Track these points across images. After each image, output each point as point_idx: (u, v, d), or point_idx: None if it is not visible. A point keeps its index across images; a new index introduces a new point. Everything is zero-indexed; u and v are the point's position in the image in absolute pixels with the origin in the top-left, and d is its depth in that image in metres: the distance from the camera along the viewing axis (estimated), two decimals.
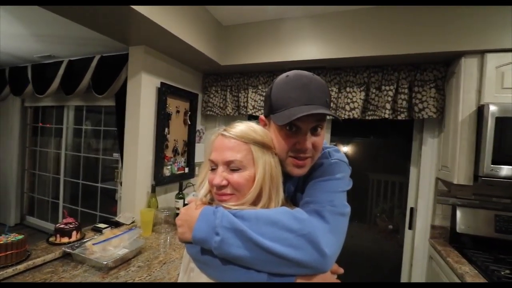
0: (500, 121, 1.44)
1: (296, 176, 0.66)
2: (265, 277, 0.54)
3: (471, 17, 1.53)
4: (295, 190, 0.73)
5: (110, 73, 2.25)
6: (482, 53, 1.54)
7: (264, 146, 0.63)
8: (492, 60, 1.51)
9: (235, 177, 0.61)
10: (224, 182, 0.60)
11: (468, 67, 1.57)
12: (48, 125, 3.44)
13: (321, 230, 0.54)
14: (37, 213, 3.54)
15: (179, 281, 0.75)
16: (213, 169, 0.63)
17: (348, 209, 0.62)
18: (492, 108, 1.45)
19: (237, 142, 0.61)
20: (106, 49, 2.27)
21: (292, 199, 0.72)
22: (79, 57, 2.52)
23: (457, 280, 1.40)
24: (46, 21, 1.87)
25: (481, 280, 1.30)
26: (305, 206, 0.61)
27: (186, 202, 2.02)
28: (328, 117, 0.68)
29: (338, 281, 0.61)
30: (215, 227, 0.55)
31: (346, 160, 0.72)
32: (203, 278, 0.60)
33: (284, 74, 0.67)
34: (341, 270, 0.63)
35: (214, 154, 0.62)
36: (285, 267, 0.53)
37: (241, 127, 0.64)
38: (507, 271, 1.38)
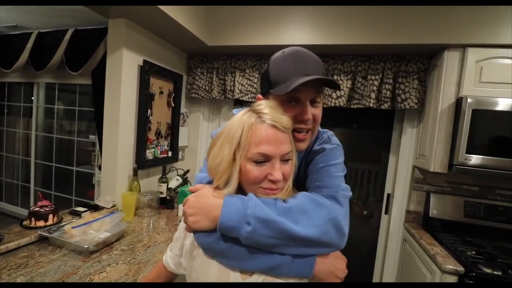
0: (476, 113, 1.53)
1: (299, 150, 0.67)
2: (290, 259, 0.56)
3: (455, 11, 1.58)
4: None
5: (86, 48, 2.09)
6: (464, 47, 1.60)
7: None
8: (472, 54, 1.57)
9: (287, 168, 0.60)
10: (282, 176, 0.58)
11: (450, 60, 1.63)
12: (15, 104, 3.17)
13: (341, 214, 0.59)
14: (5, 198, 3.32)
15: (173, 265, 0.74)
16: (258, 163, 0.57)
17: (350, 191, 0.67)
18: (470, 100, 1.53)
19: (286, 132, 0.60)
20: (81, 21, 2.09)
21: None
22: (51, 29, 2.30)
23: (428, 260, 1.51)
24: None
25: (451, 259, 1.41)
26: (319, 190, 0.64)
27: (176, 189, 1.98)
28: None
29: (343, 256, 0.65)
30: (246, 216, 0.54)
31: (341, 144, 0.75)
32: (213, 266, 0.60)
33: (280, 51, 0.69)
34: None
35: (267, 147, 0.56)
36: (312, 250, 0.57)
37: (282, 116, 0.59)
38: (473, 252, 1.51)
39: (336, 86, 0.68)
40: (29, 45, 2.34)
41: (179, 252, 0.72)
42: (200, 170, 0.74)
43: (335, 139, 0.75)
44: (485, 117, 1.53)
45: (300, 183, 0.71)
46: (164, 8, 1.50)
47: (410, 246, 1.84)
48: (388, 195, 2.16)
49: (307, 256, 0.57)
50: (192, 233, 0.63)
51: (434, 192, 1.91)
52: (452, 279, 1.34)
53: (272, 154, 0.57)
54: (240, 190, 0.62)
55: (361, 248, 2.42)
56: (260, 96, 0.73)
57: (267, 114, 0.58)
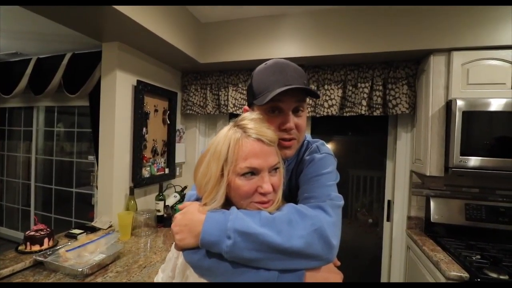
0: (467, 115, 1.53)
1: (285, 157, 0.68)
2: (276, 274, 0.54)
3: (438, 17, 1.62)
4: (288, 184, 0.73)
5: (83, 71, 2.14)
6: (449, 51, 1.63)
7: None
8: (458, 57, 1.60)
9: (276, 179, 0.60)
10: (271, 188, 0.59)
11: (436, 64, 1.65)
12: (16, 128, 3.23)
13: (327, 224, 0.57)
14: (6, 223, 3.31)
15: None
16: (248, 177, 0.58)
17: (342, 200, 0.65)
18: (459, 103, 1.54)
19: (272, 146, 0.60)
20: (78, 46, 2.16)
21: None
22: (49, 55, 2.38)
23: (432, 267, 1.48)
24: (12, 16, 1.75)
25: (455, 265, 1.38)
26: (307, 201, 0.63)
27: (174, 206, 1.98)
28: (307, 113, 0.70)
29: (338, 271, 0.62)
30: (227, 230, 0.53)
31: (332, 153, 0.74)
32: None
33: (263, 64, 0.72)
34: (338, 263, 0.65)
35: (255, 161, 0.57)
36: (297, 263, 0.55)
37: (266, 130, 0.60)
38: (478, 256, 1.47)
39: (315, 95, 0.69)
40: (28, 70, 2.41)
41: (171, 274, 0.71)
42: (191, 189, 0.74)
43: (325, 148, 0.74)
44: (477, 118, 1.53)
45: (292, 195, 0.71)
46: (154, 30, 1.56)
47: (414, 253, 1.80)
48: (389, 201, 2.13)
49: (294, 270, 0.55)
50: (181, 252, 0.63)
51: (434, 196, 1.89)
52: None
53: (260, 167, 0.58)
54: (230, 206, 0.61)
55: (367, 257, 2.36)
56: (246, 107, 0.75)
57: (252, 129, 0.59)
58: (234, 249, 0.53)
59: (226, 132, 0.60)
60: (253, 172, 0.58)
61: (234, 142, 0.58)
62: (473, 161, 1.53)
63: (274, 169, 0.60)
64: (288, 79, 0.65)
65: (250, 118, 0.62)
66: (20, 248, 1.31)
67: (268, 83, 0.65)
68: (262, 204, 0.59)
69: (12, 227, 3.25)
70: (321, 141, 0.77)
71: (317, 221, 0.57)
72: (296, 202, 0.65)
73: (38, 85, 2.39)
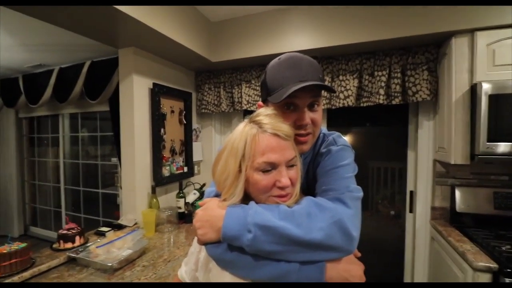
0: (494, 99, 1.44)
1: (301, 152, 0.68)
2: (297, 266, 0.55)
3: None
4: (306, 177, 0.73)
5: (102, 78, 2.24)
6: (472, 31, 1.53)
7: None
8: (482, 38, 1.50)
9: (294, 173, 0.61)
10: (289, 182, 0.60)
11: (458, 47, 1.57)
12: (44, 135, 3.43)
13: (347, 216, 0.57)
14: (40, 223, 3.55)
15: (188, 279, 0.75)
16: (265, 172, 0.59)
17: (361, 192, 0.64)
18: (485, 86, 1.45)
19: (289, 140, 0.61)
20: (96, 54, 2.25)
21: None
22: (70, 64, 2.50)
23: (458, 258, 1.42)
24: (33, 30, 1.86)
25: (483, 256, 1.32)
26: (325, 194, 0.63)
27: (194, 203, 2.03)
28: (323, 105, 0.69)
29: (359, 262, 0.62)
30: (247, 224, 0.55)
31: (349, 144, 0.73)
32: (227, 278, 0.60)
33: (276, 58, 0.70)
34: (359, 254, 0.65)
35: (272, 155, 0.58)
36: (317, 254, 0.55)
37: (282, 124, 0.61)
38: (508, 246, 1.40)
39: (331, 90, 0.69)
40: (52, 81, 2.55)
41: (194, 267, 0.73)
42: (210, 185, 0.76)
43: (342, 140, 0.73)
44: (505, 101, 1.44)
45: (310, 188, 0.71)
46: (167, 33, 1.59)
47: (438, 244, 1.74)
48: (411, 192, 2.07)
49: (315, 262, 0.55)
50: (204, 246, 0.65)
51: (459, 185, 1.80)
52: (486, 277, 1.25)
53: (278, 162, 0.58)
54: (249, 201, 0.62)
55: (390, 250, 2.31)
56: (260, 103, 0.75)
57: (267, 124, 0.59)
58: (255, 243, 0.54)
59: (242, 129, 0.61)
60: (271, 166, 0.58)
61: (250, 138, 0.59)
62: (502, 147, 1.44)
63: (291, 163, 0.60)
64: (303, 74, 0.64)
65: (265, 114, 0.62)
66: (54, 246, 1.41)
67: (282, 79, 0.65)
68: (281, 198, 0.60)
69: (45, 227, 3.48)
70: (337, 133, 0.77)
71: (336, 213, 0.57)
72: (314, 195, 0.65)
73: (61, 94, 2.53)
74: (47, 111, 3.12)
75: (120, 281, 1.15)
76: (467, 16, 1.52)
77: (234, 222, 0.56)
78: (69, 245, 1.40)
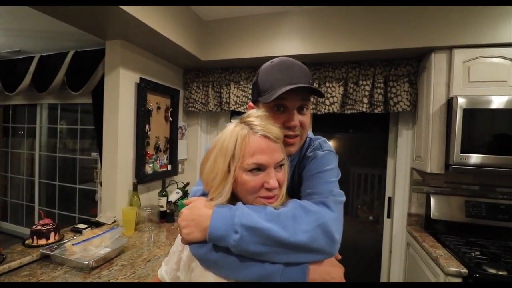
0: (468, 113, 1.54)
1: (289, 154, 0.69)
2: (281, 267, 0.56)
3: (440, 15, 1.62)
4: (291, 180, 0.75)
5: (86, 69, 2.16)
6: (450, 48, 1.63)
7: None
8: (459, 55, 1.60)
9: (281, 175, 0.62)
10: (277, 183, 0.60)
11: (437, 62, 1.66)
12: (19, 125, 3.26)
13: (331, 219, 0.59)
14: (10, 218, 3.36)
15: (169, 279, 0.75)
16: (254, 172, 0.59)
17: (344, 196, 0.67)
18: (460, 100, 1.54)
19: (278, 142, 0.62)
20: (81, 43, 2.18)
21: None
22: (52, 53, 2.40)
23: (432, 263, 1.49)
24: (14, 14, 1.77)
25: (454, 261, 1.39)
26: (309, 197, 0.65)
27: (177, 202, 2.00)
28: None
29: (340, 264, 0.64)
30: (234, 224, 0.55)
31: (333, 150, 0.76)
32: (210, 278, 0.60)
33: (269, 61, 0.72)
34: (339, 256, 0.66)
35: (262, 157, 0.58)
36: (301, 256, 0.56)
37: (272, 127, 0.61)
38: (477, 253, 1.49)
39: (320, 95, 0.71)
40: (32, 68, 2.43)
41: (175, 266, 0.72)
42: (196, 184, 0.75)
43: (327, 145, 0.76)
44: (477, 115, 1.54)
45: (295, 190, 0.73)
46: (157, 28, 1.57)
47: (413, 249, 1.82)
48: (389, 198, 2.15)
49: (298, 264, 0.57)
50: (188, 246, 0.64)
51: (434, 193, 1.90)
52: (456, 281, 1.32)
53: (267, 163, 0.59)
54: (236, 201, 0.63)
55: (367, 254, 2.38)
56: (251, 104, 0.76)
57: (258, 126, 0.60)
58: (241, 243, 0.54)
59: (233, 129, 0.61)
60: (259, 168, 0.59)
61: (241, 138, 0.59)
62: (474, 158, 1.54)
63: (279, 165, 0.62)
64: (294, 78, 0.66)
65: (256, 115, 0.63)
66: (27, 242, 1.34)
67: (274, 81, 0.67)
68: (268, 199, 0.61)
69: (16, 222, 3.30)
70: (323, 138, 0.79)
71: (321, 217, 0.58)
72: (298, 197, 0.67)
73: (41, 83, 2.41)
74: (24, 100, 2.97)
75: (97, 280, 1.11)
76: (446, 33, 1.61)
77: (221, 222, 0.56)
78: (43, 241, 1.33)
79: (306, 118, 0.70)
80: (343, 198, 0.66)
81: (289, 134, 0.68)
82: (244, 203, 0.61)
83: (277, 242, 0.54)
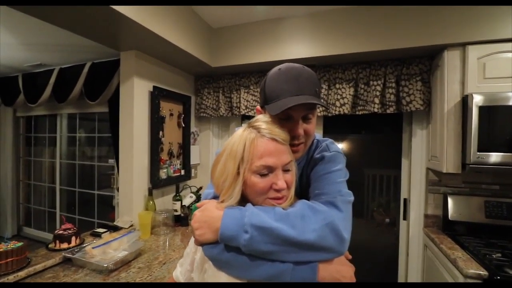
0: (484, 110, 1.49)
1: (294, 158, 0.70)
2: (291, 266, 0.57)
3: (452, 11, 1.59)
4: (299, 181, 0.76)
5: (102, 79, 2.26)
6: (463, 45, 1.59)
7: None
8: (473, 51, 1.56)
9: (289, 177, 0.64)
10: (285, 185, 0.62)
11: (451, 59, 1.62)
12: (41, 135, 3.42)
13: (339, 218, 0.60)
14: (34, 224, 3.51)
15: (184, 280, 0.77)
16: (263, 175, 0.61)
17: (352, 196, 0.67)
18: (476, 98, 1.50)
19: (285, 144, 0.64)
20: (97, 55, 2.28)
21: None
22: (70, 65, 2.52)
23: (450, 266, 1.45)
24: (35, 30, 1.88)
25: (473, 263, 1.35)
26: (318, 198, 0.66)
27: (190, 206, 2.04)
28: (319, 113, 0.72)
29: (350, 264, 0.65)
30: (244, 225, 0.57)
31: (341, 151, 0.77)
32: (222, 278, 0.61)
33: (277, 67, 0.73)
34: (350, 256, 0.68)
35: (270, 159, 0.60)
36: (310, 255, 0.58)
37: (279, 130, 0.63)
38: (498, 254, 1.43)
39: (324, 107, 0.71)
40: (52, 80, 2.56)
41: (190, 267, 0.74)
42: (207, 187, 0.78)
43: (335, 147, 0.77)
44: (495, 113, 1.49)
45: (304, 192, 0.74)
46: (168, 37, 1.63)
47: (431, 251, 1.77)
48: (405, 200, 2.10)
49: (308, 262, 0.58)
50: (201, 247, 0.66)
51: (451, 193, 1.84)
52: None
53: (275, 165, 0.61)
54: (246, 203, 0.64)
55: (384, 257, 2.34)
56: (258, 108, 0.78)
57: (266, 129, 0.62)
58: (251, 243, 0.56)
59: (242, 133, 0.64)
60: (268, 170, 0.61)
61: (249, 141, 0.61)
62: (493, 157, 1.49)
63: (287, 167, 0.63)
64: (300, 88, 0.67)
65: (264, 120, 0.65)
66: (50, 246, 1.41)
67: (280, 91, 0.68)
68: (277, 200, 0.62)
69: (39, 228, 3.45)
70: (330, 140, 0.80)
71: (329, 216, 0.59)
72: (307, 199, 0.68)
73: (61, 94, 2.54)
74: (45, 110, 3.12)
75: (115, 282, 1.15)
76: (459, 30, 1.58)
77: (231, 223, 0.58)
78: (65, 245, 1.40)
79: (311, 126, 0.72)
80: (352, 198, 0.67)
81: (294, 143, 0.69)
82: (253, 205, 0.63)
83: (286, 241, 0.56)
